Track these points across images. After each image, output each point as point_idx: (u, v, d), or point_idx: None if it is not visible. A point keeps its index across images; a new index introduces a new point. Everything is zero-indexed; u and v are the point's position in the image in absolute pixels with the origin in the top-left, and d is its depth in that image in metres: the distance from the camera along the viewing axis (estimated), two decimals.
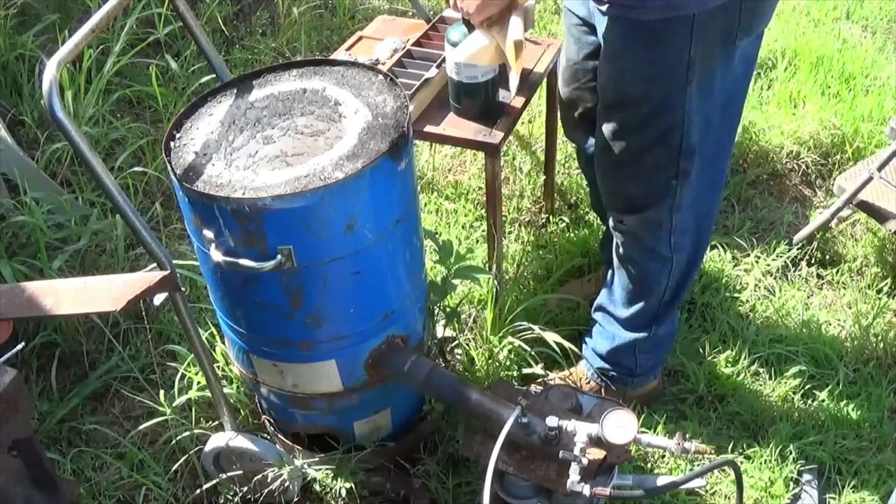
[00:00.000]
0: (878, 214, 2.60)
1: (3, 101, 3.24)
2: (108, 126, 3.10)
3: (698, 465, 2.17)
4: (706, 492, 2.14)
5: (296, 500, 2.08)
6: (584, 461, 1.69)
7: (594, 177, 2.34)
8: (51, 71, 1.47)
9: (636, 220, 2.03)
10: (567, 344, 2.24)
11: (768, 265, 2.71)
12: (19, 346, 1.70)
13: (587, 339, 2.32)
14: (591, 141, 2.26)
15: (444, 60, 2.32)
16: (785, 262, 2.72)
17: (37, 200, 2.61)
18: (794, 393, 2.34)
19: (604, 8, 1.73)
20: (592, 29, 1.96)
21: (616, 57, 1.80)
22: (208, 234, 1.65)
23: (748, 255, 2.74)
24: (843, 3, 4.03)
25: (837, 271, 2.72)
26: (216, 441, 2.06)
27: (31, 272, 2.49)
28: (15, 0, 3.43)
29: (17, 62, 3.28)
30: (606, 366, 2.27)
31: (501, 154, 2.30)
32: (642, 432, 1.75)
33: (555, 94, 2.70)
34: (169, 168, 1.67)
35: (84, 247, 2.64)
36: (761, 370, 2.41)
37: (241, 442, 2.03)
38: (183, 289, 1.76)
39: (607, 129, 1.91)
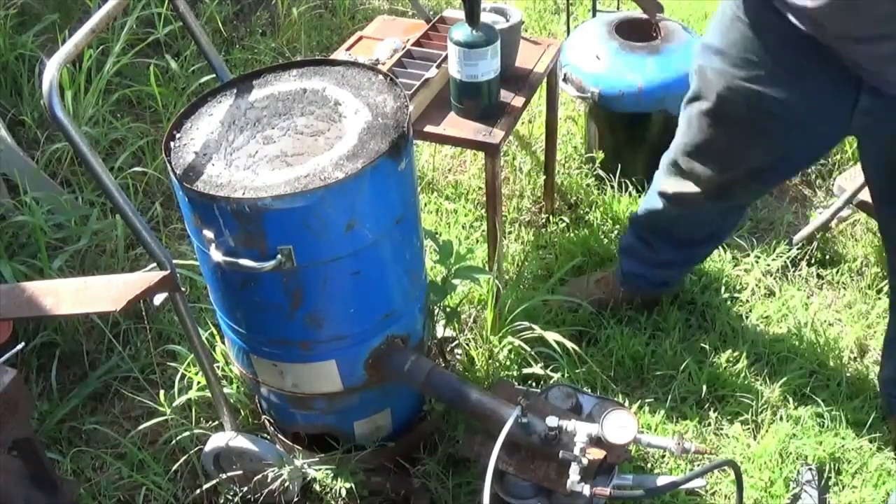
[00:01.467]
0: None
1: (3, 101, 3.25)
2: (108, 126, 3.10)
3: (698, 465, 2.17)
4: (706, 492, 2.14)
5: (296, 500, 2.08)
6: (584, 461, 1.69)
7: (666, 225, 2.32)
8: (51, 71, 1.47)
9: None
10: (568, 343, 2.24)
11: (768, 265, 2.71)
12: (19, 346, 1.70)
13: None
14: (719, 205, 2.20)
15: (444, 60, 2.32)
16: (785, 262, 2.72)
17: (37, 200, 2.61)
18: (794, 393, 2.34)
19: None
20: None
21: None
22: (208, 234, 1.65)
23: (748, 255, 2.74)
24: None
25: (837, 271, 2.72)
26: (216, 441, 2.06)
27: (31, 272, 2.49)
28: (15, 0, 3.43)
29: (17, 62, 3.28)
30: None
31: (501, 154, 2.31)
32: (642, 432, 1.75)
33: (555, 94, 2.71)
34: (169, 168, 1.67)
35: (84, 247, 2.64)
36: (761, 370, 2.41)
37: (241, 442, 2.03)
38: (183, 289, 1.76)
39: None
